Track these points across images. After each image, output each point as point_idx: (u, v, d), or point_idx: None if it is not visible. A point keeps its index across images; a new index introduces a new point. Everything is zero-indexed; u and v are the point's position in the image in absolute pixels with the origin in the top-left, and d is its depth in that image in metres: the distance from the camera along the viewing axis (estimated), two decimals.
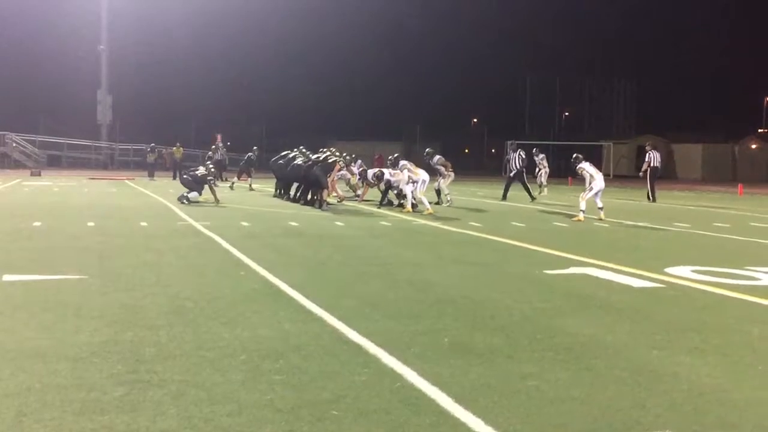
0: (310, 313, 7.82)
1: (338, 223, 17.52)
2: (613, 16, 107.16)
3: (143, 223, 16.45)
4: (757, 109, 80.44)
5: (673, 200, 29.58)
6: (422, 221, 18.16)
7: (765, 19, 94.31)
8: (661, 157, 30.98)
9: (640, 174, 31.02)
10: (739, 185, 40.45)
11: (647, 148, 29.92)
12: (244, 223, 16.75)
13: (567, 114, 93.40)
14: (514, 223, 18.22)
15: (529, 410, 5.10)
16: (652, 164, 28.76)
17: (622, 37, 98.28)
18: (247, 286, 9.28)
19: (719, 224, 19.18)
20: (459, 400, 5.19)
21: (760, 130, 78.67)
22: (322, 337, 6.84)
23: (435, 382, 5.54)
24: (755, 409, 5.23)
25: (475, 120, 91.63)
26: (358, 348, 6.48)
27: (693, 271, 11.00)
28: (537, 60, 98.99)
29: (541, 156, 32.46)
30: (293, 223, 17.18)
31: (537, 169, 31.94)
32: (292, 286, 9.18)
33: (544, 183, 31.75)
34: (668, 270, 10.98)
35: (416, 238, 15.00)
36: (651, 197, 28.57)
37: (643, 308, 8.53)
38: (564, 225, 17.86)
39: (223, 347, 6.43)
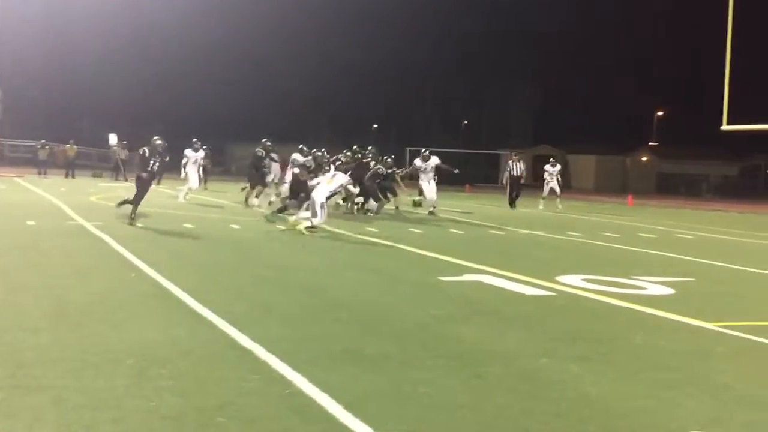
0: (201, 317, 7.68)
1: (234, 226, 17.30)
2: (512, 27, 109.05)
3: (30, 222, 15.94)
4: (649, 121, 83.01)
5: (566, 210, 30.22)
6: (322, 226, 18.09)
7: (659, 33, 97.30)
8: (525, 167, 31.72)
9: (502, 183, 31.95)
10: (629, 196, 41.60)
11: (513, 158, 30.89)
12: (138, 224, 16.40)
13: (466, 122, 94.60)
14: (411, 229, 18.31)
15: (418, 417, 5.09)
16: (512, 173, 29.74)
17: (521, 49, 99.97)
18: (137, 289, 9.06)
19: (609, 234, 19.66)
20: (349, 407, 5.15)
21: (650, 143, 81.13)
22: (212, 342, 6.72)
23: (325, 389, 5.48)
24: (638, 417, 5.33)
25: (375, 126, 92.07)
26: (249, 353, 6.38)
27: (583, 279, 11.22)
28: (439, 67, 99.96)
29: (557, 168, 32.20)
30: (188, 225, 16.89)
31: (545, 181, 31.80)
32: (183, 289, 9.00)
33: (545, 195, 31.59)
34: (559, 278, 11.18)
35: (313, 243, 14.92)
36: (510, 204, 29.54)
37: (534, 316, 8.66)
38: (460, 232, 18.04)
39: (109, 351, 6.24)
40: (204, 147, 28.41)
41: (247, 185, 24.25)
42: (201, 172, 27.03)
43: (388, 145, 30.55)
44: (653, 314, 8.96)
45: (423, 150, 25.71)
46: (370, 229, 17.89)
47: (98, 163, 55.35)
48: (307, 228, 15.93)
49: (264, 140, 24.30)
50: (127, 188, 27.98)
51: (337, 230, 17.30)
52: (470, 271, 11.72)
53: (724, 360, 7.04)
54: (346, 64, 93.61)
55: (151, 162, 16.87)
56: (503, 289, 10.20)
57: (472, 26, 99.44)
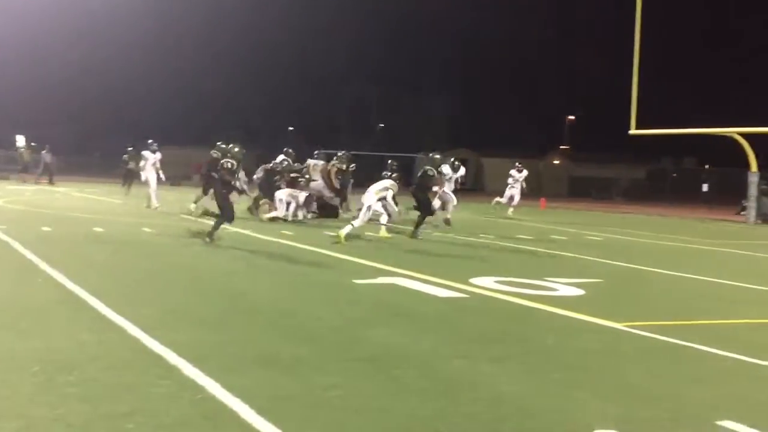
0: (110, 322, 7.52)
1: (146, 230, 17.02)
2: (430, 32, 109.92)
3: None
4: (562, 126, 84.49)
5: (480, 213, 30.52)
6: (234, 229, 17.91)
7: (571, 39, 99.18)
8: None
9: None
10: (542, 199, 42.28)
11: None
12: (45, 228, 16.00)
13: (382, 125, 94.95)
14: (327, 232, 18.26)
15: (332, 421, 5.07)
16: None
17: (439, 53, 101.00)
18: (44, 294, 8.84)
19: (522, 236, 19.94)
20: (262, 411, 5.09)
21: (562, 147, 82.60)
22: (121, 347, 6.59)
23: (238, 394, 5.42)
24: (549, 415, 5.40)
25: (291, 128, 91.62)
26: (159, 359, 6.27)
27: (496, 281, 11.34)
28: (356, 71, 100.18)
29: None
30: (98, 229, 16.55)
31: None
32: (92, 294, 8.80)
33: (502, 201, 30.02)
34: (473, 280, 11.28)
35: (228, 246, 14.76)
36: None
37: (448, 318, 8.72)
38: (375, 234, 18.06)
39: (14, 359, 6.07)
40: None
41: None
42: (159, 173, 25.32)
43: (301, 148, 30.43)
44: (564, 315, 9.11)
45: (452, 159, 23.52)
46: (285, 232, 17.80)
47: (6, 165, 53.76)
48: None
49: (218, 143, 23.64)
50: (36, 191, 27.28)
51: (252, 234, 17.17)
52: (385, 273, 11.75)
53: (631, 359, 7.19)
54: (260, 68, 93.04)
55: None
56: (417, 292, 10.25)
57: (390, 30, 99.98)
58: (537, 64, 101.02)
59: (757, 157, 31.90)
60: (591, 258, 15.52)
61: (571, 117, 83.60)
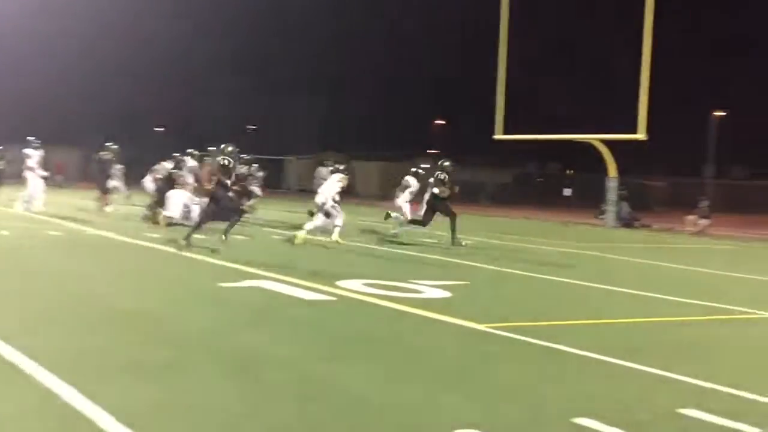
0: None
1: (4, 233, 16.38)
2: (299, 35, 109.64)
3: None
4: (430, 129, 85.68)
5: (349, 215, 30.58)
6: (95, 231, 17.45)
7: (442, 40, 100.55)
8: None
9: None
10: (414, 202, 42.75)
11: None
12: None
13: (254, 127, 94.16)
14: (195, 235, 17.96)
15: (194, 427, 4.99)
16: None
17: (309, 55, 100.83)
18: None
19: (390, 239, 20.08)
20: (125, 420, 4.96)
21: (429, 151, 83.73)
22: None
23: (99, 402, 5.26)
24: (413, 417, 5.46)
25: (161, 128, 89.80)
26: (14, 368, 6.03)
27: (364, 284, 11.39)
28: (220, 72, 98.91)
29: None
30: None
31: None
32: None
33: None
34: (340, 283, 11.30)
35: (88, 249, 14.36)
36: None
37: (315, 321, 8.72)
38: (240, 237, 17.89)
39: None
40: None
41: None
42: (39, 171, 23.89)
43: (167, 149, 29.77)
44: (430, 317, 9.22)
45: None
46: (150, 234, 17.42)
47: None
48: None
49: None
50: None
51: (114, 236, 16.74)
52: (251, 276, 11.65)
53: (494, 360, 7.35)
54: (125, 67, 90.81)
55: None
56: (284, 295, 10.20)
57: (259, 29, 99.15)
58: (407, 67, 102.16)
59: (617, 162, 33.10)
60: (457, 261, 15.77)
61: (440, 121, 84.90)
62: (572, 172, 65.76)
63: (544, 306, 11.05)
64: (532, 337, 8.25)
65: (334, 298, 10.17)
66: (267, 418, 5.25)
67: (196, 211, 19.48)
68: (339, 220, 17.96)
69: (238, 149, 15.99)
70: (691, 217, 32.04)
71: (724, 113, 67.49)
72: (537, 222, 35.52)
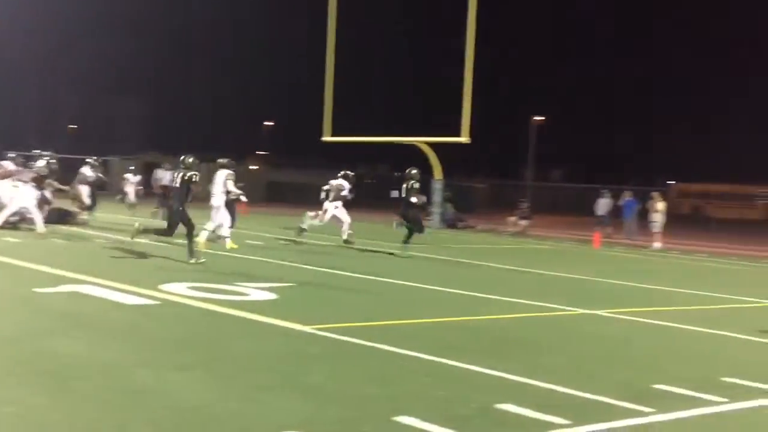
0: None
1: None
2: (123, 37, 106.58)
3: None
4: (259, 131, 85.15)
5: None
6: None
7: (273, 44, 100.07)
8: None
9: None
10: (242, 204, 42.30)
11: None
12: None
13: (74, 127, 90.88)
14: (7, 239, 17.14)
15: None
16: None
17: (137, 54, 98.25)
18: None
19: (220, 241, 19.76)
20: None
21: (259, 152, 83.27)
22: None
23: None
24: (234, 420, 5.39)
25: None
26: None
27: (188, 287, 11.18)
28: (42, 70, 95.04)
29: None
30: None
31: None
32: None
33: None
34: (163, 287, 11.05)
35: None
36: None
37: (136, 326, 8.49)
38: (61, 241, 17.22)
39: None
40: None
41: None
42: None
43: None
44: (255, 319, 9.15)
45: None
46: None
47: None
48: None
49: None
50: None
51: None
52: (68, 281, 11.21)
53: (318, 361, 7.36)
54: None
55: None
56: (103, 300, 9.88)
57: (82, 28, 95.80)
58: (236, 68, 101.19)
59: (442, 165, 33.87)
60: (285, 262, 15.72)
61: (269, 123, 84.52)
62: (400, 174, 66.87)
63: (369, 307, 11.17)
64: (357, 338, 8.31)
65: (157, 302, 9.93)
66: (82, 426, 5.07)
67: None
68: (212, 224, 17.66)
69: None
70: (512, 218, 33.17)
71: (543, 119, 70.25)
72: (367, 223, 35.87)
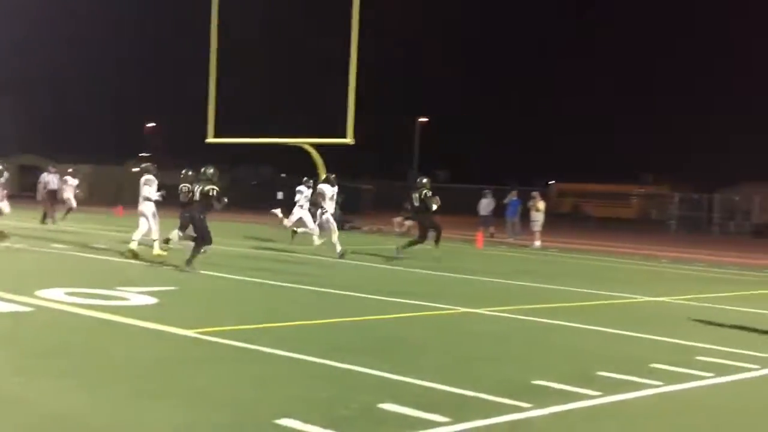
0: None
1: None
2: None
3: None
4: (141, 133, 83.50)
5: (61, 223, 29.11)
6: None
7: (157, 43, 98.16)
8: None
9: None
10: (120, 207, 41.43)
11: (51, 170, 29.42)
12: None
13: None
14: None
15: None
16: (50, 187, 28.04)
17: (7, 54, 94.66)
18: None
19: (97, 245, 19.32)
20: None
21: (141, 155, 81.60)
22: None
23: None
24: (113, 428, 5.28)
25: None
26: None
27: (66, 293, 10.87)
28: None
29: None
30: None
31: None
32: None
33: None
34: (39, 293, 10.71)
35: None
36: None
37: (8, 334, 8.23)
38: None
39: None
40: None
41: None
42: None
43: None
44: (135, 324, 8.97)
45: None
46: None
47: None
48: None
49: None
50: None
51: None
52: None
53: (200, 365, 7.27)
54: None
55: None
56: None
57: None
58: (119, 68, 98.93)
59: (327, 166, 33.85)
60: (167, 266, 15.44)
61: (151, 124, 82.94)
62: (285, 175, 66.56)
63: (252, 309, 11.08)
64: (240, 341, 8.25)
65: (31, 309, 9.62)
66: None
67: None
68: (139, 233, 17.18)
69: None
70: (397, 219, 33.41)
71: (427, 120, 71.03)
72: (251, 225, 35.60)
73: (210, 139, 31.69)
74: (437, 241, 19.83)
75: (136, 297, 10.98)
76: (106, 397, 6.00)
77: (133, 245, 16.69)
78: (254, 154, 68.48)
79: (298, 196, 23.74)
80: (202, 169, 15.43)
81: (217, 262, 16.65)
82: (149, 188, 17.27)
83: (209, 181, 14.98)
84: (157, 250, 16.99)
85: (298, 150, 34.10)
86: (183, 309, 10.59)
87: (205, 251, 15.24)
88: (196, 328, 8.79)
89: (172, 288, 12.31)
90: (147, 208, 17.14)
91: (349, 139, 28.06)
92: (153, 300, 10.86)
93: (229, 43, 32.07)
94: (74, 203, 29.44)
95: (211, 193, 14.74)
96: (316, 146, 32.66)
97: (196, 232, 14.97)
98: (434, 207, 19.41)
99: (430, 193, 19.40)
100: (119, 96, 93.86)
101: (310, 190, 23.56)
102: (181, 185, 16.28)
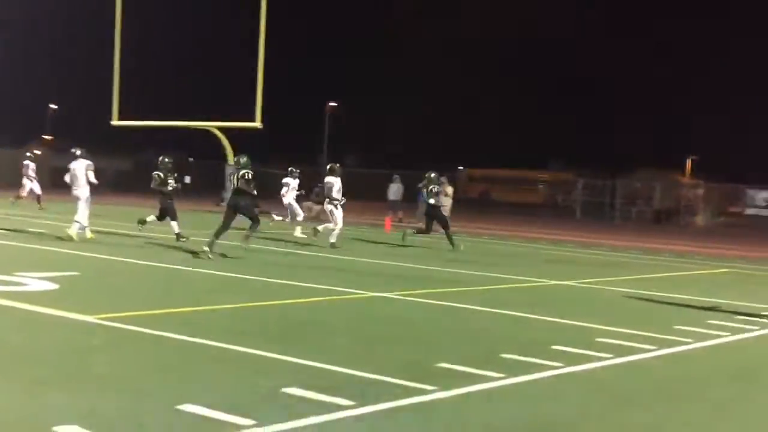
0: None
1: None
2: None
3: None
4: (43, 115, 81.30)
5: None
6: None
7: (46, 23, 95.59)
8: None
9: None
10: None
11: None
12: None
13: None
14: None
15: None
16: None
17: None
18: None
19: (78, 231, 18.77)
20: None
21: (44, 137, 79.53)
22: None
23: None
24: (7, 416, 5.13)
25: None
26: None
27: None
28: None
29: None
30: None
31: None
32: None
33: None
34: None
35: None
36: None
37: None
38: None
39: None
40: None
41: None
42: None
43: None
44: (34, 311, 8.76)
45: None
46: None
47: None
48: None
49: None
50: None
51: None
52: None
53: (100, 352, 7.14)
54: None
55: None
56: None
57: None
58: (20, 48, 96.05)
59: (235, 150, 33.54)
60: (67, 251, 15.09)
61: (54, 106, 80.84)
62: (193, 159, 65.70)
63: (155, 294, 10.93)
64: (142, 327, 8.12)
65: None
66: None
67: None
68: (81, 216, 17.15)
69: None
70: (307, 203, 33.30)
71: (336, 105, 70.93)
72: (156, 209, 35.05)
73: (115, 122, 31.08)
74: (449, 236, 20.14)
75: (36, 282, 10.71)
76: (3, 386, 5.83)
77: (73, 229, 16.87)
78: (163, 138, 67.34)
79: (284, 189, 22.75)
80: (235, 158, 16.36)
81: (121, 245, 16.38)
82: (91, 173, 17.38)
83: (244, 167, 15.58)
84: (89, 234, 17.37)
85: (206, 134, 33.72)
86: (84, 294, 10.36)
87: (185, 239, 17.03)
88: (97, 314, 8.61)
89: (74, 273, 12.03)
90: (83, 192, 17.14)
91: (257, 123, 27.86)
92: (53, 285, 10.60)
93: (136, 23, 31.47)
94: (39, 190, 28.72)
95: (246, 177, 15.40)
96: (224, 130, 32.32)
97: (249, 217, 15.80)
98: (432, 201, 20.20)
99: (435, 189, 20.26)
100: (21, 76, 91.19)
101: (297, 180, 22.89)
102: (154, 172, 17.92)
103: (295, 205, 22.76)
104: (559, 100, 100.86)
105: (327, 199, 19.54)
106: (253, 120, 27.89)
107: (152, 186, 18.01)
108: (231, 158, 33.34)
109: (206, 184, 48.90)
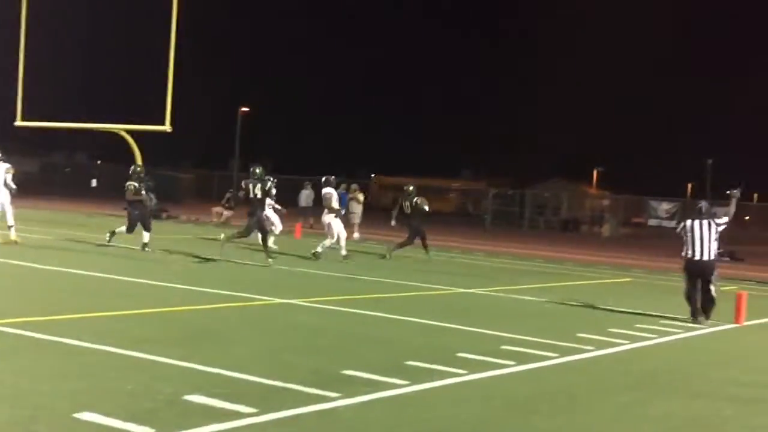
0: None
1: None
2: None
3: None
4: None
5: None
6: None
7: None
8: None
9: None
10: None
11: None
12: None
13: None
14: None
15: None
16: None
17: None
18: None
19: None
20: None
21: None
22: None
23: None
24: None
25: None
26: None
27: None
28: None
29: None
30: None
31: None
32: None
33: None
34: None
35: None
36: None
37: None
38: None
39: None
40: None
41: None
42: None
43: None
44: None
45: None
46: None
47: None
48: None
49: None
50: None
51: None
52: None
53: None
54: None
55: None
56: None
57: None
58: None
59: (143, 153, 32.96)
60: None
61: None
62: (100, 162, 64.49)
63: (56, 300, 10.67)
64: (38, 332, 7.94)
65: None
66: None
67: None
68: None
69: None
70: (216, 209, 32.99)
71: (248, 109, 70.38)
72: (63, 213, 34.29)
73: (19, 122, 30.24)
74: (425, 246, 20.60)
75: None
76: None
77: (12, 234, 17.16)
78: (69, 140, 65.96)
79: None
80: (251, 169, 16.84)
81: (23, 249, 15.97)
82: (9, 176, 17.60)
83: (260, 178, 16.39)
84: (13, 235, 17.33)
85: (115, 136, 33.06)
86: None
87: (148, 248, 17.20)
88: None
89: None
90: (5, 196, 17.36)
91: (167, 127, 27.47)
92: None
93: (44, 21, 30.73)
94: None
95: (266, 187, 16.42)
96: (133, 133, 31.73)
97: (260, 230, 16.55)
98: (426, 209, 20.50)
99: (419, 200, 20.40)
100: None
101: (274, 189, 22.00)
102: (128, 183, 17.66)
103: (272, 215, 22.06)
104: (473, 111, 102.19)
105: (326, 210, 19.34)
106: (162, 123, 27.44)
107: (127, 198, 17.67)
108: (139, 162, 32.80)
109: (115, 187, 48.00)
